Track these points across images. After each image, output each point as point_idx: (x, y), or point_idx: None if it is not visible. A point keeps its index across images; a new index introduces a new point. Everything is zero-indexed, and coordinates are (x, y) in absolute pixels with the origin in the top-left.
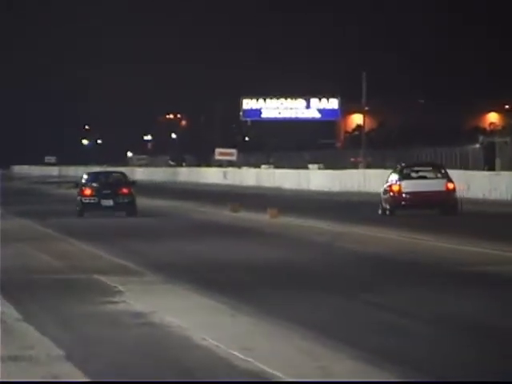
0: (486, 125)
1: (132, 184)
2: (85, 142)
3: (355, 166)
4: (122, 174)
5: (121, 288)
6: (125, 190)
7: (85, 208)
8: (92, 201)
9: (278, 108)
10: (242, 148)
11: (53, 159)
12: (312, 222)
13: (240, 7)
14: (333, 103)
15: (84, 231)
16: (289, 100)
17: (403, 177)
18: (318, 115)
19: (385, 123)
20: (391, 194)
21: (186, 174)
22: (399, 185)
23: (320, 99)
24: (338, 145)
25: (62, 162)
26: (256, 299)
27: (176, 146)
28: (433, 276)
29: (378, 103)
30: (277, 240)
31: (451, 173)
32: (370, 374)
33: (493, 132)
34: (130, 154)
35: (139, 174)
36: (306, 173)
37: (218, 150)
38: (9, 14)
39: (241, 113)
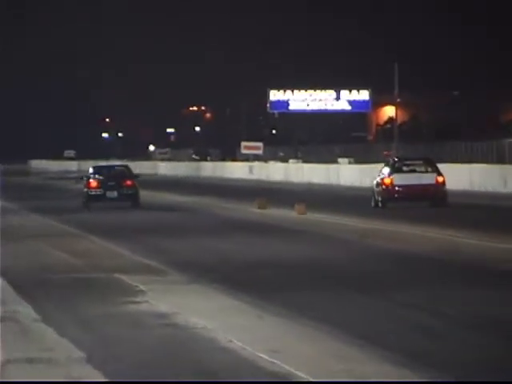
0: None
1: (135, 177)
2: (105, 135)
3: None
4: (126, 166)
5: (143, 288)
6: (129, 182)
7: (91, 200)
8: (98, 193)
9: (306, 100)
10: (268, 141)
11: (72, 153)
12: (341, 219)
13: None
14: (363, 95)
15: (103, 228)
16: (318, 91)
17: (395, 170)
18: (348, 107)
19: (417, 116)
20: (383, 186)
21: (211, 169)
22: (391, 178)
23: (350, 90)
24: (370, 138)
25: (81, 156)
26: (283, 299)
27: (200, 139)
28: (472, 275)
29: (411, 95)
30: (304, 237)
31: (485, 167)
32: (398, 375)
33: None
34: (151, 147)
35: (161, 168)
36: (335, 167)
37: (243, 144)
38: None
39: (268, 105)
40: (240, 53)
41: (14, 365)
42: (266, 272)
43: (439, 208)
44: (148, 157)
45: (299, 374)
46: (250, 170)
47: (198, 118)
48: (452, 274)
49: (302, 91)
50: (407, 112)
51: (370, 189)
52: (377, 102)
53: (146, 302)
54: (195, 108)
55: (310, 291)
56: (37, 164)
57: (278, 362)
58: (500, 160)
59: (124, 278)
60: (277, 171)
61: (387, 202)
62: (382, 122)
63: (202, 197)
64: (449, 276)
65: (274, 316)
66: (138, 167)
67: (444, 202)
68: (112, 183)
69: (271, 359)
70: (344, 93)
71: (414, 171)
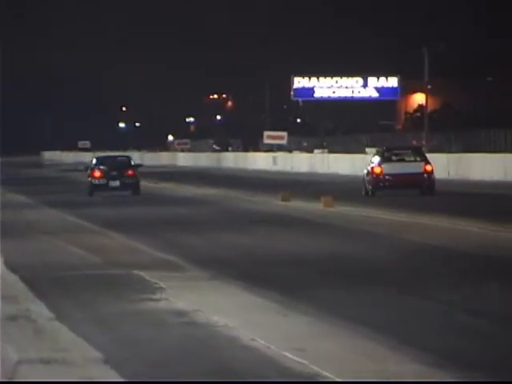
0: None
1: (137, 167)
2: (121, 125)
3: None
4: (128, 157)
5: (162, 284)
6: (130, 172)
7: (94, 189)
8: (101, 182)
9: (332, 87)
10: (292, 131)
11: (87, 144)
12: (369, 211)
13: None
14: (392, 81)
15: (120, 222)
16: (344, 78)
17: (384, 159)
18: (375, 94)
19: (449, 103)
20: (373, 175)
21: (232, 160)
22: (381, 167)
23: (378, 77)
24: (398, 127)
25: (97, 147)
26: (309, 296)
27: (221, 128)
28: (506, 271)
29: (442, 82)
30: (330, 231)
31: None
32: (432, 376)
33: None
34: (170, 137)
35: (181, 159)
36: (363, 158)
37: (266, 133)
38: None
39: (292, 92)
40: (263, 38)
41: (27, 365)
42: (290, 268)
43: (466, 199)
44: (167, 147)
45: (326, 373)
46: (274, 160)
47: (219, 106)
48: (491, 271)
49: (328, 78)
50: (438, 99)
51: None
52: (406, 88)
53: (165, 299)
54: (216, 96)
55: (336, 287)
56: (50, 155)
57: (304, 362)
58: None
59: (142, 274)
60: (301, 162)
61: (377, 190)
62: (411, 110)
63: (223, 189)
64: (487, 272)
65: (298, 313)
66: (156, 158)
67: (432, 191)
68: (114, 173)
69: (297, 358)
70: (371, 79)
71: (402, 160)
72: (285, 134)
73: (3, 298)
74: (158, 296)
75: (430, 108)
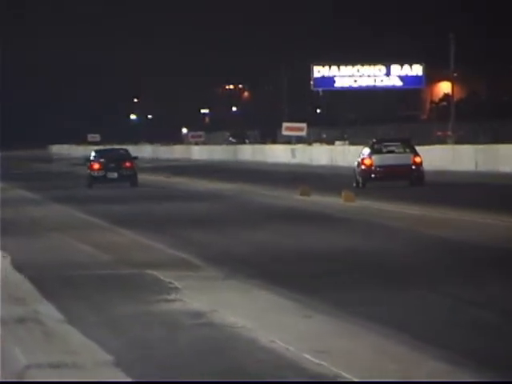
0: None
1: (134, 159)
2: (133, 117)
3: (443, 142)
4: (125, 150)
5: (177, 284)
6: (128, 164)
7: (93, 180)
8: (100, 174)
9: (353, 76)
10: (312, 122)
11: (97, 137)
12: (392, 206)
13: None
14: (416, 69)
15: (132, 218)
16: (366, 67)
17: (374, 151)
18: (399, 83)
19: (476, 92)
20: (363, 167)
21: (249, 153)
22: (370, 159)
23: (402, 65)
24: (423, 117)
25: (107, 140)
26: (329, 295)
27: (237, 120)
28: None
29: (469, 69)
30: (351, 227)
31: None
32: (453, 375)
33: None
34: (184, 130)
35: (195, 152)
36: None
37: (285, 125)
38: None
39: (311, 82)
40: (281, 26)
41: (36, 370)
42: (310, 265)
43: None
44: (180, 140)
45: (348, 375)
46: (293, 153)
47: (234, 97)
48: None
49: (349, 67)
50: (465, 88)
51: (425, 173)
52: (431, 77)
53: (180, 300)
54: (232, 86)
55: (358, 286)
56: (58, 149)
57: (325, 364)
58: None
59: (156, 273)
60: (321, 154)
61: (367, 181)
62: (436, 100)
63: (240, 183)
64: (508, 268)
65: (320, 314)
66: (170, 152)
67: (421, 182)
68: (112, 165)
69: (318, 360)
70: (395, 67)
71: (392, 152)
72: (304, 125)
73: (10, 299)
74: (172, 296)
75: (456, 97)
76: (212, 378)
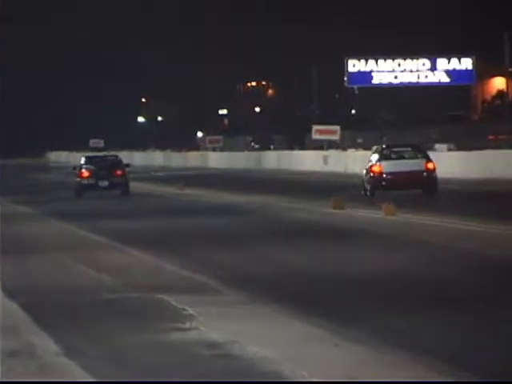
0: None
1: (126, 166)
2: (141, 119)
3: (497, 146)
4: (116, 156)
5: (191, 311)
6: (119, 172)
7: (83, 189)
8: (90, 182)
9: (393, 71)
10: (346, 124)
11: (101, 143)
12: (436, 219)
13: None
14: (466, 63)
15: (140, 235)
16: (408, 60)
17: (383, 157)
18: (446, 79)
19: None
20: (372, 174)
21: (275, 160)
22: (379, 165)
23: (449, 59)
24: (474, 117)
25: (111, 145)
26: (365, 322)
27: (261, 122)
28: None
29: None
30: (391, 244)
31: None
32: None
33: None
34: (200, 133)
35: (213, 159)
36: (431, 155)
37: (315, 128)
38: None
39: (345, 78)
40: (310, 14)
41: None
42: (343, 289)
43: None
44: (196, 146)
45: None
46: (324, 160)
47: (257, 95)
48: None
49: (389, 60)
50: None
51: (476, 181)
52: (483, 72)
53: (196, 328)
54: (254, 83)
55: (395, 311)
56: (57, 156)
57: None
58: None
59: (168, 298)
60: (357, 161)
61: (376, 189)
62: (489, 98)
63: (264, 195)
64: None
65: (354, 343)
66: (184, 159)
67: (434, 190)
68: (103, 173)
69: None
70: (441, 61)
71: (402, 158)
72: (337, 128)
73: (0, 330)
74: (187, 325)
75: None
76: None
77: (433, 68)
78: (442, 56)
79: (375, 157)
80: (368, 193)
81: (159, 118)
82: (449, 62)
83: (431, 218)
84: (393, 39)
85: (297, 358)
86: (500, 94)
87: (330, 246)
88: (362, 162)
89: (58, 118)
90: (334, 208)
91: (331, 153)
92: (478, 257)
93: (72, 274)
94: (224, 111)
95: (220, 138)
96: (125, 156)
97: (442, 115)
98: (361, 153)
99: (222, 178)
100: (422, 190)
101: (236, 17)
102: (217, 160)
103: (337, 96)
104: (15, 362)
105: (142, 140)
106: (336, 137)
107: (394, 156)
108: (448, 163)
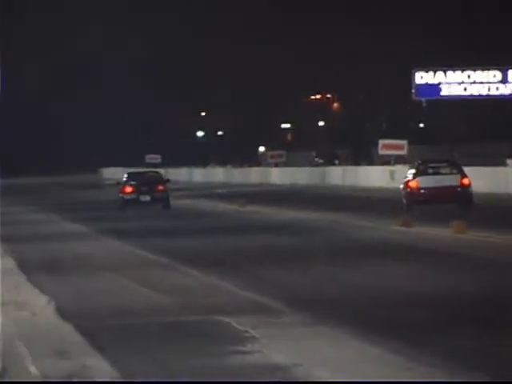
0: None
1: (166, 182)
2: (200, 133)
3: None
4: (157, 172)
5: (253, 333)
6: (160, 187)
7: (126, 204)
8: (132, 197)
9: (462, 83)
10: (414, 138)
11: (158, 158)
12: (510, 237)
13: None
14: None
15: (197, 254)
16: (478, 72)
17: (420, 173)
18: None
19: None
20: (408, 189)
21: (339, 176)
22: (416, 181)
23: None
24: None
25: (168, 161)
26: (440, 346)
27: (325, 136)
28: None
29: None
30: (462, 264)
31: None
32: None
33: None
34: (261, 148)
35: (275, 175)
36: (503, 170)
37: (382, 142)
38: None
39: (413, 90)
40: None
41: None
42: (411, 310)
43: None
44: (257, 161)
45: None
46: (391, 175)
47: (322, 108)
48: None
49: (458, 72)
50: None
51: None
52: None
53: (258, 351)
54: (318, 96)
55: (469, 335)
56: (110, 173)
57: None
58: None
59: (228, 320)
60: None
61: (413, 204)
62: None
63: (328, 212)
64: None
65: (428, 368)
66: (245, 175)
67: (469, 204)
68: (145, 188)
69: None
70: None
71: (438, 173)
72: (405, 142)
73: (55, 353)
74: (248, 348)
75: None
76: None
77: (504, 80)
78: None
79: (412, 172)
80: (405, 207)
81: (219, 133)
82: None
83: (503, 236)
84: (462, 50)
85: (366, 383)
86: None
87: (398, 265)
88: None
89: (112, 132)
90: (402, 225)
91: (398, 168)
92: None
93: (128, 294)
94: (287, 125)
95: (282, 152)
96: (184, 173)
97: None
98: None
99: (284, 194)
100: (458, 204)
101: (299, 29)
102: (279, 176)
103: (408, 108)
104: None
105: (201, 155)
106: (403, 151)
107: (430, 171)
108: None
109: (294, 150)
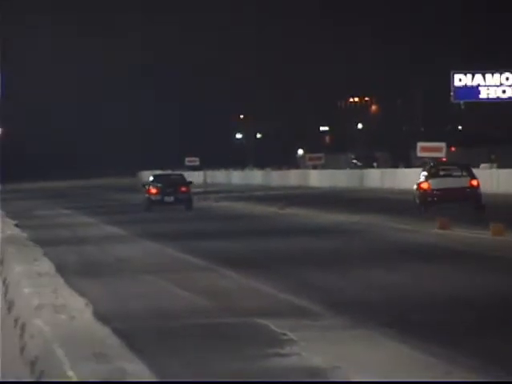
0: None
1: (189, 183)
2: (239, 136)
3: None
4: (181, 175)
5: (292, 335)
6: (183, 189)
7: (151, 204)
8: (157, 198)
9: (501, 85)
10: (453, 141)
11: (196, 161)
12: None
13: None
14: None
15: (236, 257)
16: None
17: (431, 175)
18: None
19: None
20: (421, 191)
21: (377, 178)
22: (428, 182)
23: None
24: None
25: (208, 164)
26: (480, 349)
27: (363, 139)
28: None
29: None
30: (502, 267)
31: None
32: None
33: None
34: (300, 151)
35: (313, 178)
36: None
37: (420, 145)
38: None
39: (451, 93)
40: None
41: None
42: (451, 313)
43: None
44: (296, 164)
45: None
46: None
47: (360, 111)
48: None
49: (496, 74)
50: None
51: None
52: None
53: (297, 354)
54: (357, 99)
55: (510, 338)
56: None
57: None
58: None
59: (267, 323)
60: None
61: (425, 205)
62: None
63: (368, 215)
64: None
65: (463, 369)
66: (283, 178)
67: (479, 204)
68: (169, 189)
69: None
70: None
71: (449, 175)
72: (443, 145)
73: (92, 356)
74: (286, 350)
75: None
76: None
77: None
78: None
79: (424, 175)
80: (418, 208)
81: (258, 135)
82: None
83: None
84: (501, 52)
85: (400, 383)
86: None
87: (437, 268)
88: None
89: (150, 135)
90: (440, 228)
91: None
92: None
93: (166, 297)
94: (325, 128)
95: (321, 155)
96: (222, 175)
97: None
98: None
99: (323, 197)
100: (468, 204)
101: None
102: (318, 178)
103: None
104: None
105: (239, 158)
106: (442, 154)
107: (441, 173)
108: None
109: (333, 152)
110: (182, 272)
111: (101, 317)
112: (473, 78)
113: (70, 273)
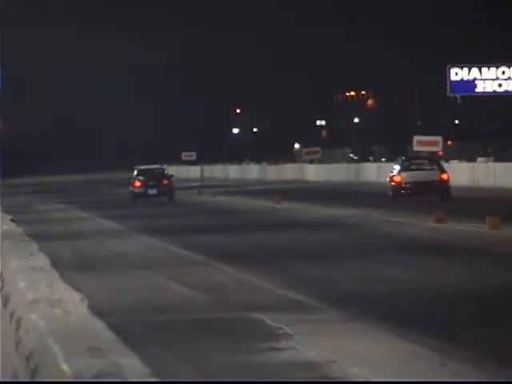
0: None
1: (171, 177)
2: (235, 131)
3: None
4: (163, 169)
5: (287, 329)
6: (165, 182)
7: (135, 197)
8: (141, 190)
9: (498, 79)
10: (449, 135)
11: (193, 156)
12: None
13: None
14: None
15: (232, 251)
16: None
17: (403, 168)
18: None
19: None
20: (393, 183)
21: (374, 172)
22: (401, 176)
23: None
24: None
25: (205, 158)
26: (473, 341)
27: (359, 133)
28: None
29: None
30: (497, 261)
31: None
32: None
33: None
34: (296, 145)
35: (310, 172)
36: None
37: (416, 139)
38: None
39: (447, 87)
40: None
41: None
42: (447, 306)
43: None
44: (293, 158)
45: None
46: None
47: (356, 105)
48: None
49: (493, 68)
50: None
51: None
52: None
53: (292, 348)
54: (353, 93)
55: (507, 331)
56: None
57: None
58: None
59: (262, 317)
60: (460, 173)
61: (397, 196)
62: None
63: (364, 208)
64: None
65: (458, 362)
66: (280, 172)
67: (448, 197)
68: (152, 182)
69: None
70: None
71: (420, 169)
72: (439, 138)
73: (87, 351)
74: (282, 344)
75: None
76: None
77: None
78: None
79: (397, 168)
80: (390, 199)
81: (254, 130)
82: None
83: None
84: (497, 46)
85: (399, 378)
86: None
87: (433, 261)
88: (468, 173)
89: (148, 130)
90: (436, 222)
91: None
92: None
93: (162, 291)
94: (322, 122)
95: (317, 149)
96: (219, 169)
97: None
98: (465, 164)
99: (319, 191)
100: (439, 197)
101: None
102: (314, 172)
103: (439, 106)
104: None
105: (236, 153)
106: (438, 148)
107: (412, 167)
108: None
109: (329, 146)
110: (178, 266)
111: (96, 311)
112: (469, 72)
113: (66, 267)
